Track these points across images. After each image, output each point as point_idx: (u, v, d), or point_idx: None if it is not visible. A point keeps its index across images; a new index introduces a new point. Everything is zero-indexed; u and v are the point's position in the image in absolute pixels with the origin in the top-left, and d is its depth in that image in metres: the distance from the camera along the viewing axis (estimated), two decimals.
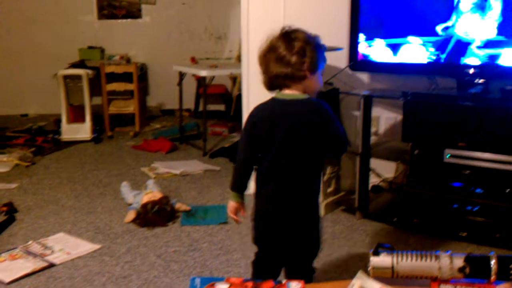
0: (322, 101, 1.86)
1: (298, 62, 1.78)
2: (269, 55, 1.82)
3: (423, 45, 3.00)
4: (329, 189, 3.32)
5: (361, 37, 3.17)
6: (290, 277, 1.96)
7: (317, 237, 1.96)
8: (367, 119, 3.14)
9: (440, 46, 2.96)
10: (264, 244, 1.99)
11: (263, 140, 1.84)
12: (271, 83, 1.85)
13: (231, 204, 2.01)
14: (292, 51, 1.78)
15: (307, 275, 1.97)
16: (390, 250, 1.32)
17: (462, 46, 2.90)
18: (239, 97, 5.36)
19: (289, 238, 1.91)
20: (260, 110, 1.87)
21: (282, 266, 2.01)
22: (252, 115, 1.89)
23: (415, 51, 3.03)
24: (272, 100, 1.87)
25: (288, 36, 1.82)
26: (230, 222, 3.19)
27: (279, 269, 2.01)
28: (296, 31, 1.84)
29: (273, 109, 1.84)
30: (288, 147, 1.82)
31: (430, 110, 2.93)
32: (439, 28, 2.94)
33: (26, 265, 2.64)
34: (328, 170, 3.27)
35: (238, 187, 1.97)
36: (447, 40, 2.94)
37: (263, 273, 2.01)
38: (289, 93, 1.83)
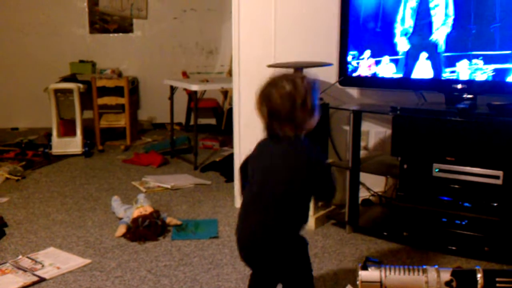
0: (310, 144, 1.90)
1: (288, 114, 1.84)
2: (262, 103, 1.88)
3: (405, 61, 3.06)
4: (320, 203, 3.33)
5: (352, 53, 3.22)
6: None
7: (299, 265, 1.95)
8: (356, 134, 3.17)
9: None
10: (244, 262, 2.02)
11: (250, 173, 1.96)
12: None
13: None
14: (282, 103, 1.83)
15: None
16: (378, 264, 1.34)
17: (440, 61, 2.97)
18: (230, 111, 5.39)
19: (265, 266, 1.92)
20: (259, 144, 1.98)
21: (276, 280, 2.01)
22: (256, 146, 2.00)
23: (399, 67, 3.08)
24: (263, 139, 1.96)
25: (279, 85, 1.86)
26: (221, 236, 3.19)
27: (273, 282, 2.02)
28: (289, 78, 1.87)
29: (264, 146, 1.95)
30: (267, 187, 1.88)
31: (418, 125, 2.96)
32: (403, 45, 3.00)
33: (16, 280, 2.63)
34: None
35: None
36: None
37: (257, 285, 2.03)
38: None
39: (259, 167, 1.93)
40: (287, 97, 1.83)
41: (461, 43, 2.88)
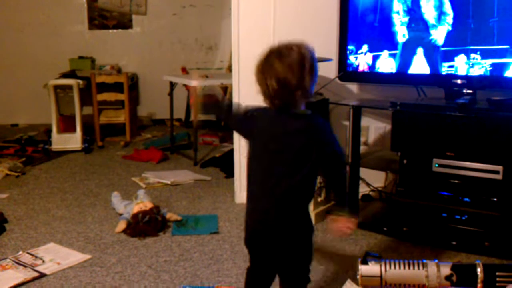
0: (321, 119, 1.89)
1: (299, 81, 1.80)
2: (267, 74, 1.81)
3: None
4: (320, 199, 3.33)
5: (351, 47, 3.22)
6: (285, 284, 1.98)
7: (304, 249, 1.95)
8: (356, 129, 3.17)
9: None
10: (249, 248, 2.00)
11: (255, 139, 1.89)
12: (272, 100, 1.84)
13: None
14: (291, 71, 1.79)
15: (300, 285, 1.99)
16: (378, 258, 1.34)
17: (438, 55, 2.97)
18: None
19: (274, 249, 1.91)
20: (263, 111, 1.89)
21: (274, 272, 2.01)
22: (255, 110, 1.91)
23: (398, 62, 3.08)
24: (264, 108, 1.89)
25: (283, 53, 1.82)
26: (221, 232, 3.19)
27: (271, 276, 2.02)
28: (291, 46, 1.84)
29: (270, 118, 1.88)
30: (279, 161, 1.84)
31: (418, 120, 2.96)
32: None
33: (17, 276, 2.63)
34: (318, 179, 3.29)
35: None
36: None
37: (254, 279, 2.02)
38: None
39: (269, 142, 1.86)
40: (296, 63, 1.79)
41: (460, 37, 2.88)
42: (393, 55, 3.11)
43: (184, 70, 6.48)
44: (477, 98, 2.89)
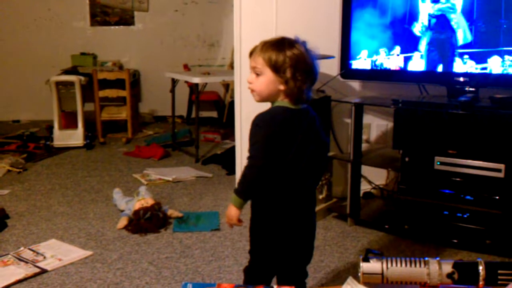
0: None
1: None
2: (299, 72, 1.83)
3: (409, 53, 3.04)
4: (321, 196, 3.33)
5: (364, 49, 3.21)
6: (284, 281, 1.98)
7: (312, 244, 2.03)
8: (358, 127, 3.16)
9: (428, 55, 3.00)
10: (271, 255, 1.94)
11: (284, 148, 1.80)
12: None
13: (235, 211, 1.81)
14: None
15: (301, 279, 2.01)
16: (380, 256, 1.34)
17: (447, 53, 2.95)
18: (231, 104, 5.39)
19: (302, 246, 1.96)
20: (282, 118, 1.80)
21: (276, 272, 2.02)
22: (274, 122, 1.79)
23: (404, 59, 3.06)
24: (286, 109, 1.82)
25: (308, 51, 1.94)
26: (222, 228, 3.19)
27: (273, 276, 2.02)
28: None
29: (293, 119, 1.82)
30: (309, 157, 1.85)
31: (420, 118, 2.95)
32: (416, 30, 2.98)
33: (18, 271, 2.64)
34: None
35: (248, 195, 1.83)
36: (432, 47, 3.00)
37: (257, 280, 2.01)
38: (287, 101, 1.83)
39: (303, 141, 1.83)
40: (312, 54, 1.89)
41: (492, 39, 2.84)
42: (420, 56, 3.04)
43: (186, 67, 6.48)
44: (480, 96, 2.88)
